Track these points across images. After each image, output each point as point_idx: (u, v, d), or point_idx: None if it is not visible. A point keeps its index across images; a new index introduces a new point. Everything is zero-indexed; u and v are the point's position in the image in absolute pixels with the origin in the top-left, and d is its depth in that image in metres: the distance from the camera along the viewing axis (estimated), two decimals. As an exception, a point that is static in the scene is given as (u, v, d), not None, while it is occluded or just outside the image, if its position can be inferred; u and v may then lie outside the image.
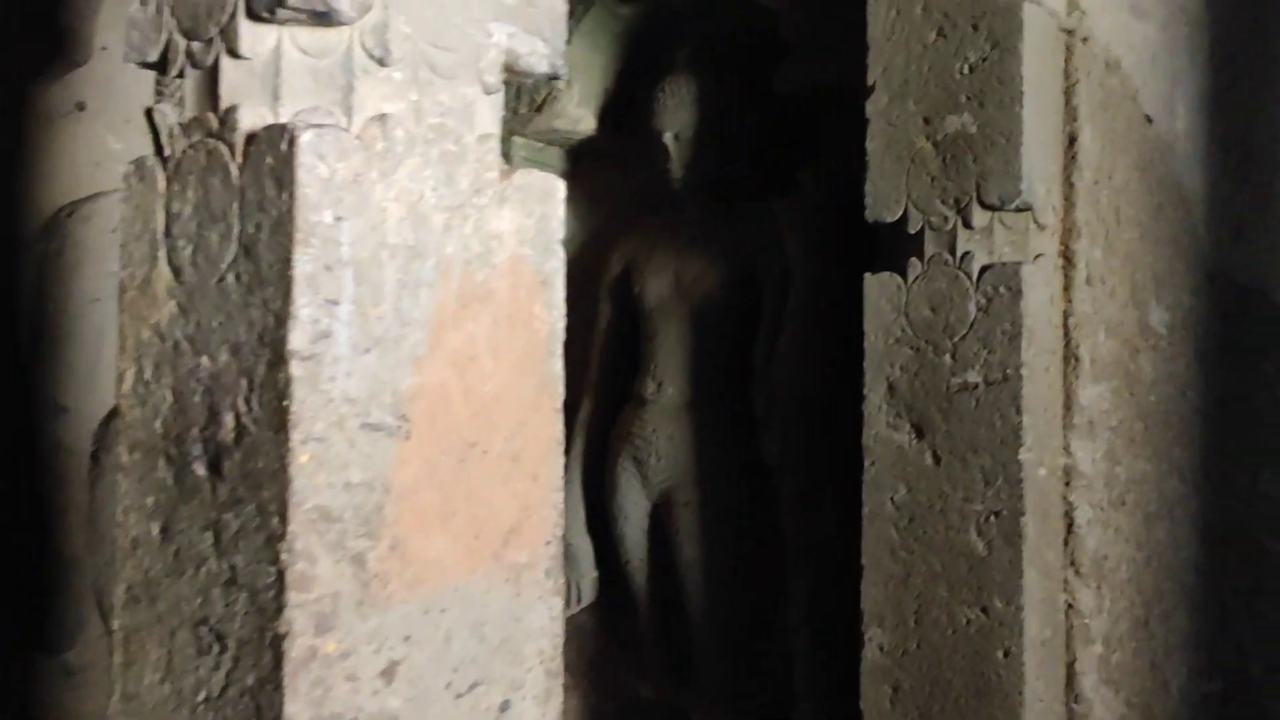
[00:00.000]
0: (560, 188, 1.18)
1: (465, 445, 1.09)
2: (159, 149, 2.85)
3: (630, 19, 2.90)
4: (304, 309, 0.97)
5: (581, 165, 3.12)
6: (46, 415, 2.54)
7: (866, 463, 2.09)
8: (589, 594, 2.86)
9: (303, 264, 0.97)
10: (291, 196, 0.97)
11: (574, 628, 2.79)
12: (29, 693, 2.48)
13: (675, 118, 2.69)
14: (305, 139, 0.98)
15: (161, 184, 1.10)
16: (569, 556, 2.76)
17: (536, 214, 1.16)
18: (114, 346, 2.74)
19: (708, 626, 2.63)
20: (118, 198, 2.82)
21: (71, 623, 2.48)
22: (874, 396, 2.09)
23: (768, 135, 2.70)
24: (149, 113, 2.72)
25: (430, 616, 1.05)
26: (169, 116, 2.67)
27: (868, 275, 2.11)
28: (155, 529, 1.08)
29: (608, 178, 3.10)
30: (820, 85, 2.50)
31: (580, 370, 2.82)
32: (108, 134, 2.68)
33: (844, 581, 2.26)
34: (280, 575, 0.95)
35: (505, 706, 1.10)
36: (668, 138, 2.69)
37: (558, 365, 1.18)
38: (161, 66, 1.13)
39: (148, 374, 1.10)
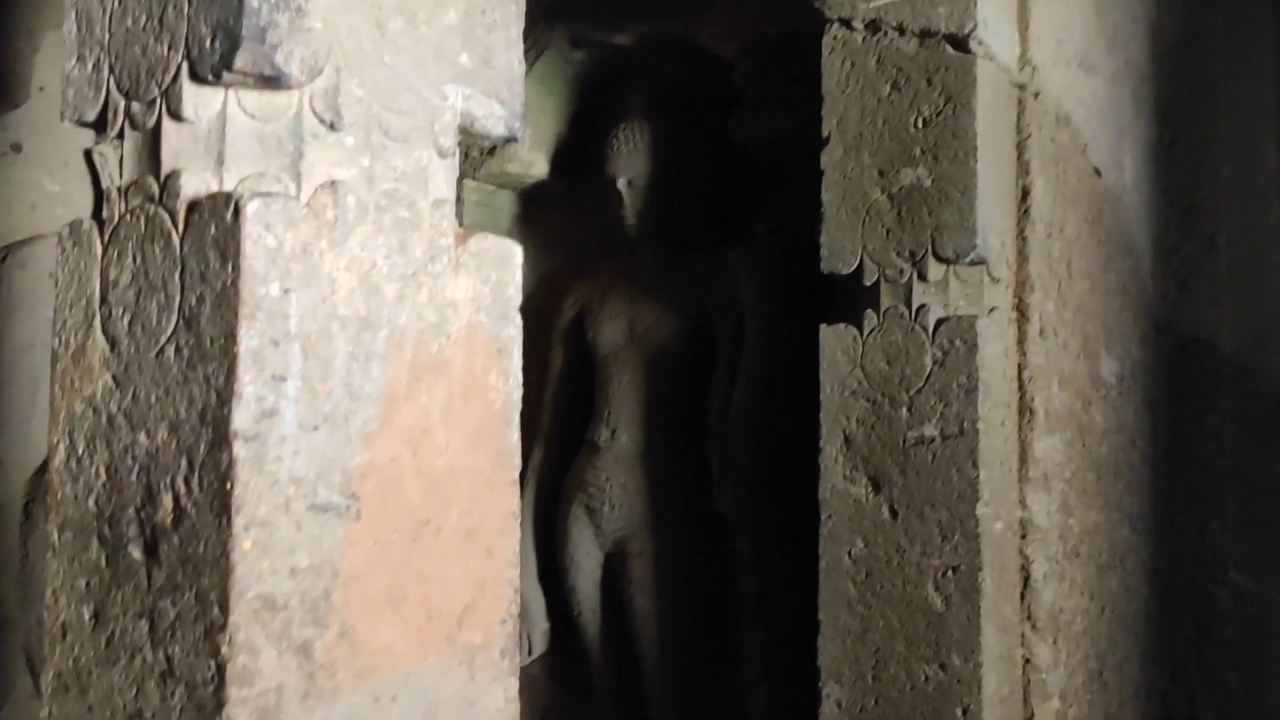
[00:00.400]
0: (517, 252, 1.15)
1: (418, 524, 1.04)
2: (99, 194, 2.77)
3: (583, 64, 2.89)
4: (249, 386, 0.92)
5: (533, 209, 3.09)
6: (-24, 468, 2.44)
7: (823, 516, 2.07)
8: (540, 645, 2.81)
9: (248, 339, 0.93)
10: (236, 269, 0.93)
11: (526, 679, 2.72)
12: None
13: (629, 164, 2.67)
14: (251, 208, 0.94)
15: (98, 248, 1.05)
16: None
17: (493, 280, 1.12)
18: (48, 395, 2.64)
19: (662, 678, 2.58)
20: (54, 241, 2.73)
21: (2, 682, 2.37)
22: (830, 449, 2.08)
23: (722, 183, 2.70)
24: (89, 155, 2.65)
25: (380, 706, 1.00)
26: (110, 160, 2.60)
27: (823, 327, 2.10)
28: (87, 614, 1.02)
29: (560, 222, 3.08)
30: (774, 135, 2.50)
31: (533, 416, 2.77)
32: (44, 176, 2.61)
33: (799, 636, 2.23)
34: (220, 669, 0.90)
35: (458, 796, 1.05)
36: (621, 184, 2.67)
37: (514, 436, 1.14)
38: (100, 126, 1.09)
39: (80, 449, 1.05)
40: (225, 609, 0.90)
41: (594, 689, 2.77)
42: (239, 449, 0.92)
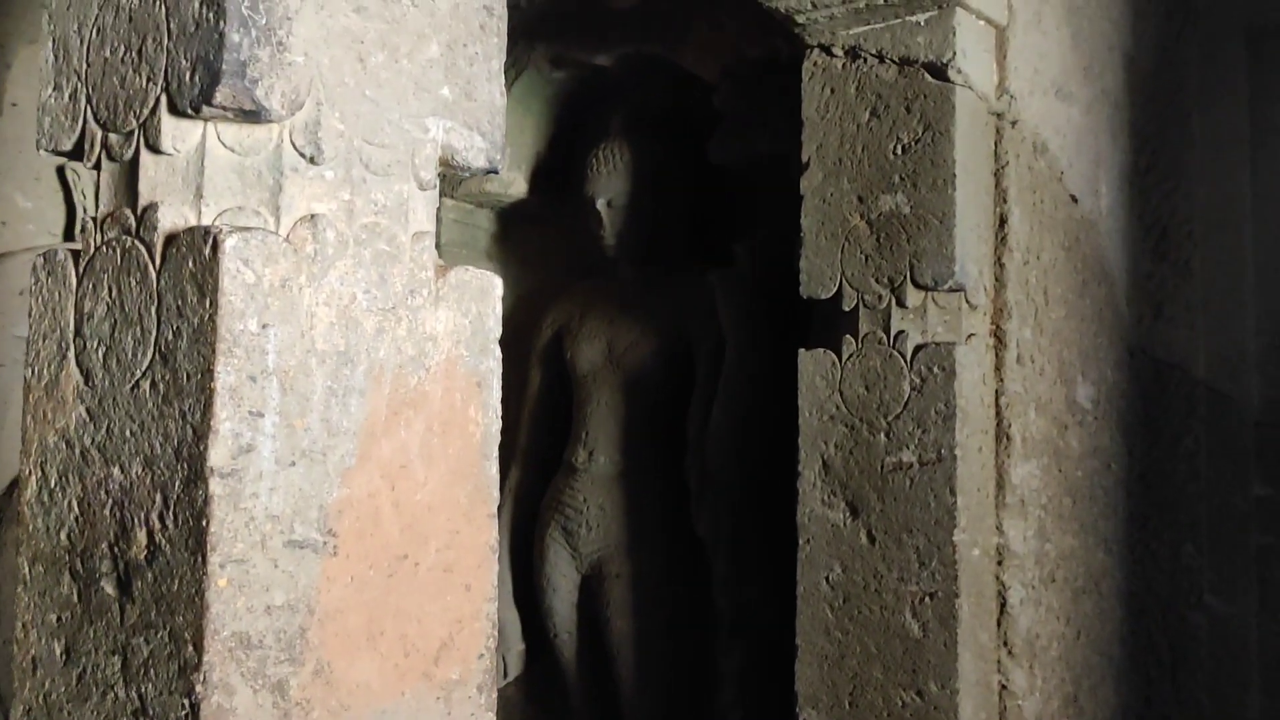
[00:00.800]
0: (497, 285, 1.15)
1: (395, 559, 1.03)
2: (71, 211, 2.73)
3: (563, 83, 2.89)
4: (225, 422, 0.92)
5: (512, 228, 3.09)
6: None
7: (801, 540, 2.07)
8: (516, 667, 2.79)
9: (225, 375, 0.92)
10: (214, 304, 0.92)
11: (502, 700, 2.71)
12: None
13: (608, 184, 2.68)
14: (230, 243, 0.93)
15: (73, 279, 1.04)
16: (496, 629, 2.68)
17: (473, 313, 1.12)
18: (17, 414, 2.61)
19: (639, 700, 2.57)
20: (25, 258, 2.69)
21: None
22: (808, 473, 2.08)
23: (701, 205, 2.70)
24: (61, 173, 2.63)
25: (355, 743, 0.99)
26: (83, 178, 2.58)
27: (802, 351, 2.10)
28: (58, 649, 1.01)
29: (538, 241, 3.08)
30: (754, 157, 2.51)
31: (509, 437, 2.76)
32: (16, 193, 2.58)
33: (777, 658, 2.23)
34: (195, 708, 0.89)
35: (434, 835, 1.04)
36: (600, 204, 2.67)
37: (493, 469, 1.13)
38: (76, 155, 1.07)
39: (52, 481, 1.03)
40: (200, 647, 0.89)
41: (570, 711, 2.75)
42: (215, 486, 0.91)
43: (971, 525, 1.96)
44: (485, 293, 1.13)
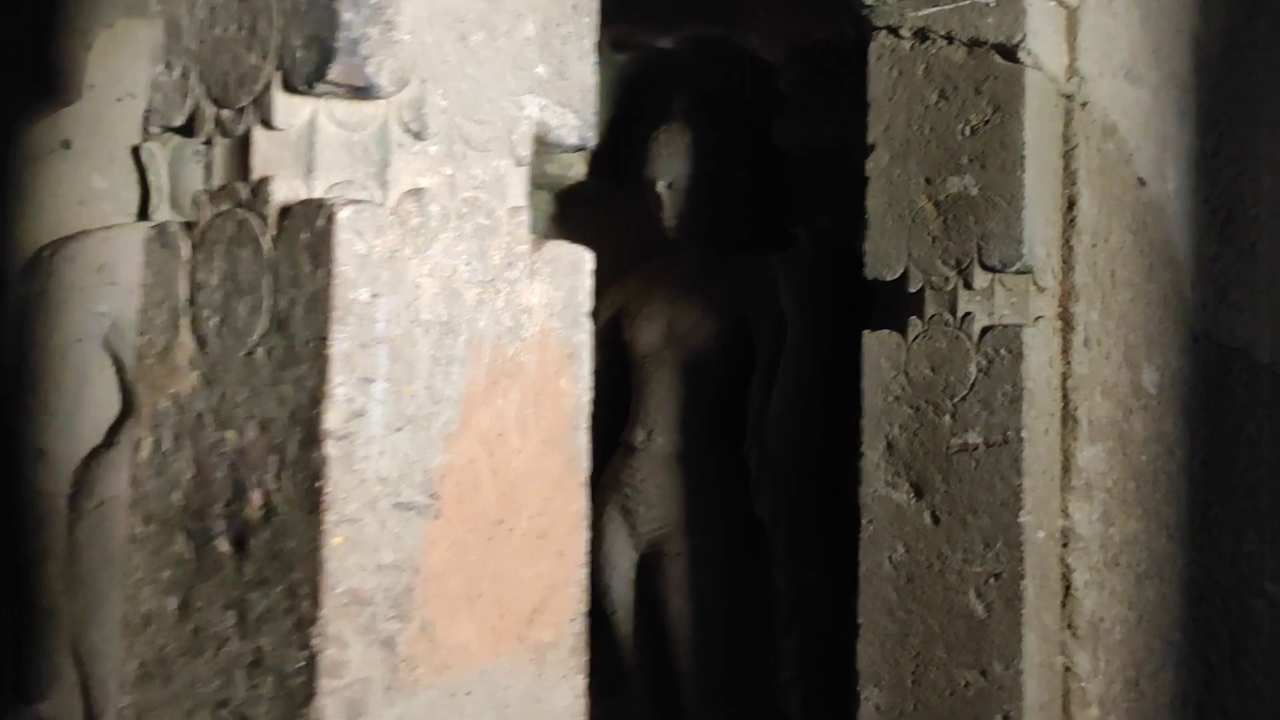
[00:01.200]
0: (589, 259, 1.17)
1: (493, 524, 1.07)
2: (145, 191, 2.79)
3: (625, 66, 2.91)
4: (339, 387, 0.95)
5: (570, 210, 3.12)
6: (25, 459, 2.48)
7: (864, 521, 2.09)
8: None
9: (339, 342, 0.95)
10: (329, 273, 0.95)
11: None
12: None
13: (669, 167, 2.69)
14: (344, 215, 0.96)
15: (185, 251, 1.08)
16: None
17: (565, 286, 1.15)
18: (95, 389, 2.68)
19: (696, 679, 2.60)
20: (101, 236, 2.76)
21: (47, 672, 2.41)
22: (871, 454, 2.09)
23: (763, 188, 2.72)
24: (136, 151, 2.69)
25: (456, 700, 1.03)
26: (157, 157, 2.63)
27: (867, 333, 2.11)
28: (170, 605, 1.05)
29: (597, 223, 3.09)
30: (818, 140, 2.52)
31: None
32: (93, 172, 2.64)
33: (833, 639, 2.25)
34: (311, 660, 0.93)
35: (529, 791, 1.07)
36: (661, 186, 2.69)
37: (583, 440, 1.16)
38: (186, 131, 1.11)
39: (166, 445, 1.07)
40: (316, 602, 0.93)
41: (626, 688, 2.79)
42: (330, 448, 0.95)
43: (1037, 507, 1.96)
44: (577, 266, 1.16)
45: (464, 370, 1.05)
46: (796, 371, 2.47)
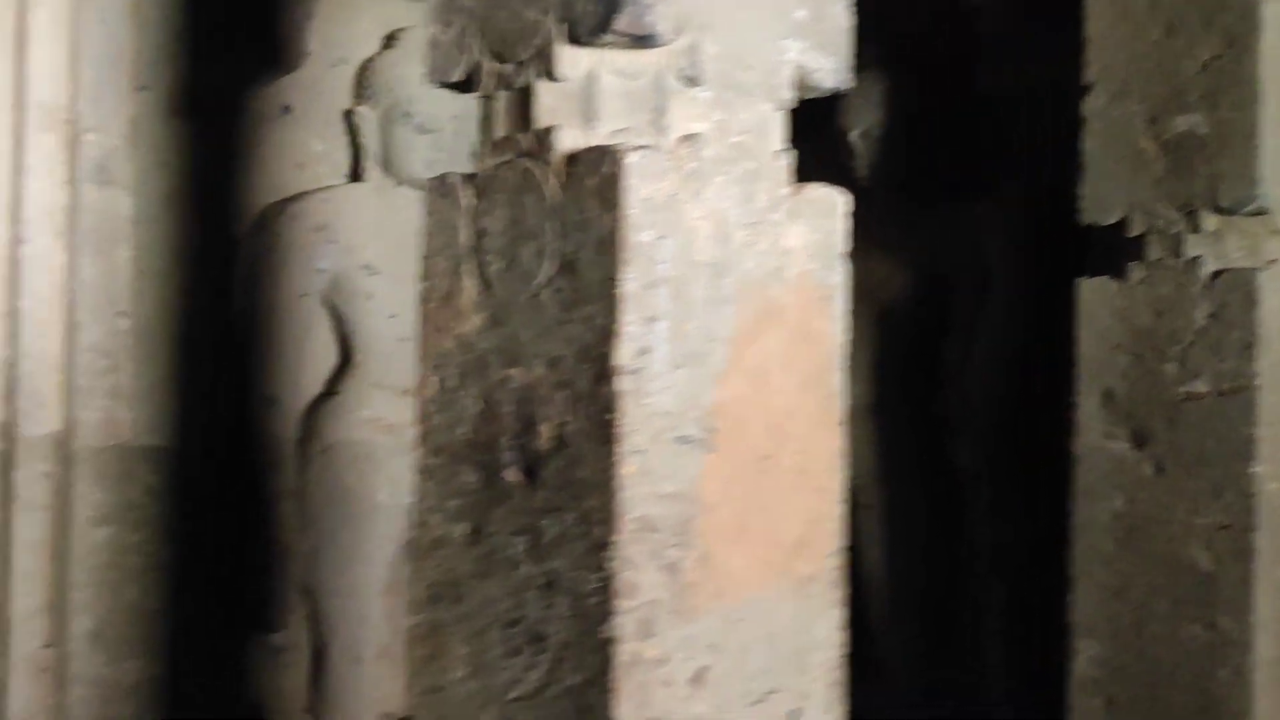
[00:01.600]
0: (844, 201, 1.19)
1: (760, 459, 1.11)
2: (356, 153, 2.92)
3: (814, 15, 2.88)
4: (628, 326, 1.00)
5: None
6: (257, 405, 2.66)
7: (1078, 471, 2.05)
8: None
9: (627, 282, 1.00)
10: (616, 217, 1.00)
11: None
12: (240, 668, 2.61)
13: (862, 116, 2.67)
14: (630, 161, 1.01)
15: (464, 200, 1.15)
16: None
17: (823, 228, 1.17)
18: (316, 341, 2.83)
19: (892, 631, 2.62)
20: (321, 197, 2.91)
21: (282, 605, 2.60)
22: (1087, 404, 2.05)
23: (962, 134, 2.66)
24: (348, 115, 2.82)
25: (729, 627, 1.08)
26: (371, 119, 2.76)
27: (1083, 280, 2.06)
28: (459, 531, 1.13)
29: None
30: (1022, 83, 2.45)
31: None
32: (312, 137, 2.79)
33: (1036, 592, 2.22)
34: (607, 581, 0.99)
35: (795, 716, 1.12)
36: (854, 135, 2.67)
37: (840, 379, 1.19)
38: (465, 87, 1.17)
39: (451, 382, 1.15)
40: (610, 528, 0.99)
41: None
42: (621, 383, 1.00)
43: (1271, 457, 1.89)
44: (834, 208, 1.18)
45: (733, 310, 1.09)
46: (1002, 322, 2.43)
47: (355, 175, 2.79)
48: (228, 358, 2.65)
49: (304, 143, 2.82)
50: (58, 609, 2.24)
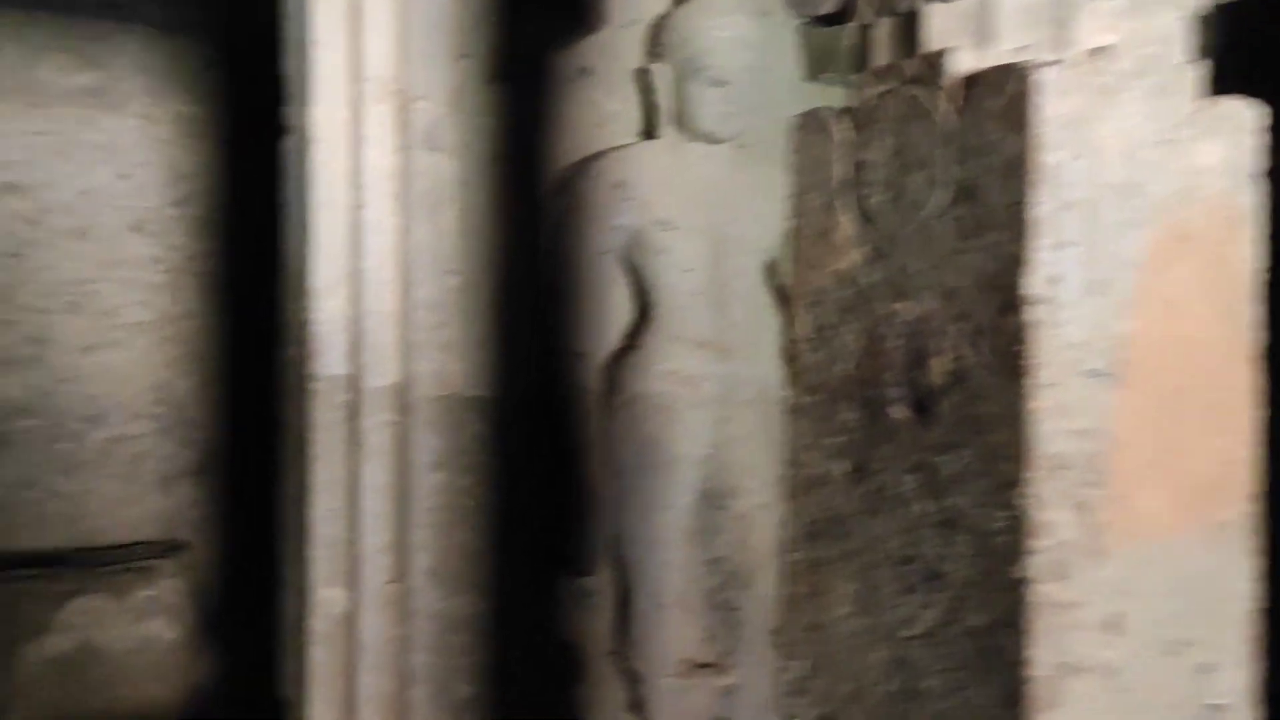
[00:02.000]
0: (1260, 117, 1.08)
1: (1171, 394, 1.03)
2: (648, 108, 2.96)
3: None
4: (1039, 252, 0.95)
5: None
6: (564, 358, 2.76)
7: None
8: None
9: (1037, 205, 0.95)
10: (1025, 138, 0.95)
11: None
12: (554, 608, 2.74)
13: None
14: (1039, 79, 0.95)
15: (837, 134, 1.13)
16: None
17: (1237, 146, 1.07)
18: (616, 296, 2.90)
19: None
20: (617, 155, 2.97)
21: (593, 550, 2.70)
22: None
23: None
24: (641, 73, 2.86)
25: (1138, 571, 1.02)
26: (664, 75, 2.79)
27: None
28: (840, 468, 1.12)
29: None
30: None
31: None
32: (607, 97, 2.85)
33: None
34: (1016, 520, 0.95)
35: (1209, 669, 1.04)
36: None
37: (1254, 311, 1.09)
38: (835, 20, 1.15)
39: (828, 319, 1.13)
40: (1019, 465, 0.95)
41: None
42: (1029, 313, 0.95)
43: None
44: (1247, 124, 1.08)
45: (1140, 235, 1.01)
46: None
47: (648, 133, 2.84)
48: (540, 313, 2.77)
49: (601, 103, 2.89)
50: (400, 547, 2.42)
